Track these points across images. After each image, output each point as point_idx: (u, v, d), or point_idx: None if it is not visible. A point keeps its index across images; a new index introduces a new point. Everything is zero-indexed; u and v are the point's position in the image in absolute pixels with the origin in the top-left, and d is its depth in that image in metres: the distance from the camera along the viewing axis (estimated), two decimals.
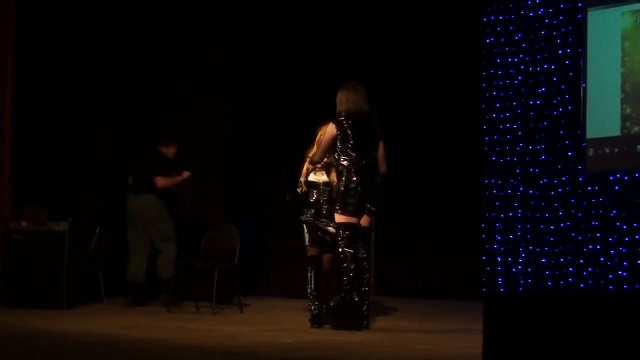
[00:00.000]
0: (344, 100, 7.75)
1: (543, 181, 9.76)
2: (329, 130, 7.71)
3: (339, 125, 7.66)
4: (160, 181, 9.51)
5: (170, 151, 9.74)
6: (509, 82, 10.08)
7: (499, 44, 10.18)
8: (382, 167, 7.88)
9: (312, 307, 7.93)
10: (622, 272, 8.99)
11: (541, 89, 9.83)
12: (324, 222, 8.01)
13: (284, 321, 8.40)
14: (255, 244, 10.87)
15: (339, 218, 7.61)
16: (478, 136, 10.19)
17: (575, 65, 9.56)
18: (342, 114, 7.69)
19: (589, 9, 9.46)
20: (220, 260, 9.57)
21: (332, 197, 7.91)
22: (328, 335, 7.17)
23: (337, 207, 7.60)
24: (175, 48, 10.95)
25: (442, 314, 9.16)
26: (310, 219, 8.10)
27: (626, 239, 9.01)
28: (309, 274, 8.09)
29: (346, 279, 7.48)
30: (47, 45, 10.40)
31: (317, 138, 8.11)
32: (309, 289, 8.04)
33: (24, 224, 9.19)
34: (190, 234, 9.93)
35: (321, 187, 8.11)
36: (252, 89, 11.11)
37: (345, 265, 7.51)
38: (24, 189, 10.01)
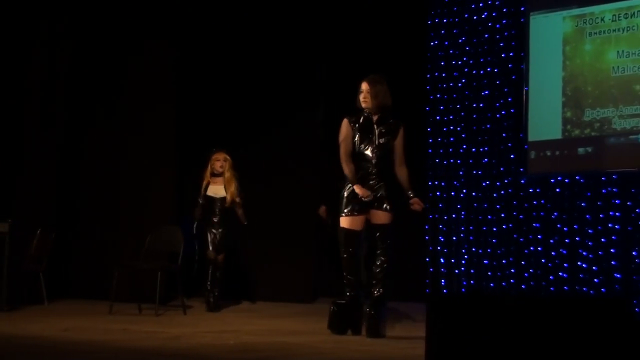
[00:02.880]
0: (384, 94, 7.44)
1: (485, 183, 9.84)
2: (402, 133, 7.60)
3: None
4: None
5: None
6: (453, 85, 10.15)
7: (442, 47, 10.25)
8: None
9: (211, 298, 9.41)
10: (563, 274, 9.10)
11: (484, 92, 9.92)
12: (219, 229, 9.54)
13: (227, 323, 8.38)
14: (198, 245, 10.84)
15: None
16: (422, 138, 10.23)
17: (517, 69, 9.67)
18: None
19: (531, 13, 9.56)
20: (163, 261, 9.53)
21: (225, 207, 9.49)
22: (271, 337, 7.16)
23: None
24: (120, 49, 10.87)
25: (386, 315, 9.18)
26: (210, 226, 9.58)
27: (566, 240, 9.12)
28: (209, 272, 9.50)
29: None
30: None
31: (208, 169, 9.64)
32: (208, 285, 9.46)
33: None
34: None
35: (217, 201, 9.57)
36: (194, 88, 11.06)
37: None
38: None
